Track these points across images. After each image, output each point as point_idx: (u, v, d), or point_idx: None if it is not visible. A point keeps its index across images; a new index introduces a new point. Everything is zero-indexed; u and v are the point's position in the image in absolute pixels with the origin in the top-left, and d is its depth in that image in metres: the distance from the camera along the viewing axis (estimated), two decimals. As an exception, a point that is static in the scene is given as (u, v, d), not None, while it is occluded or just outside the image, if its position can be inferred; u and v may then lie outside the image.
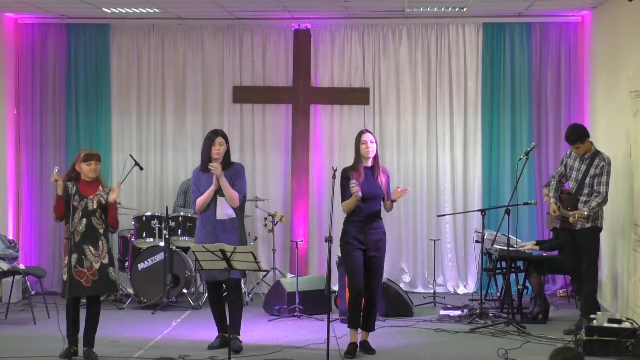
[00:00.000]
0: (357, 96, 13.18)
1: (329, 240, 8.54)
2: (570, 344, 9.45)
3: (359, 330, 9.20)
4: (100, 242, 8.76)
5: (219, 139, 9.24)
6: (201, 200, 9.22)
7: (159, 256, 11.73)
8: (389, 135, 13.17)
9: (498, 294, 11.61)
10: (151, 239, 11.88)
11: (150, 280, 11.72)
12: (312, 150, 13.23)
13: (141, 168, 12.52)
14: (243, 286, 11.92)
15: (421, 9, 12.37)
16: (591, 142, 10.14)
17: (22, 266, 11.59)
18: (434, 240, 12.51)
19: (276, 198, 13.17)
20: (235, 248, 8.36)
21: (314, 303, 11.18)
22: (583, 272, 10.17)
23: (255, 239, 12.81)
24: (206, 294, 11.85)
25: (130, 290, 12.11)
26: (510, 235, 10.77)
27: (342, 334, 9.32)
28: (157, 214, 12.02)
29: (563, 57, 12.94)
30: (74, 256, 8.65)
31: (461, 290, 13.03)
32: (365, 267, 9.12)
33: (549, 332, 10.10)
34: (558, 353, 5.32)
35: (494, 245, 11.10)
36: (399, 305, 11.30)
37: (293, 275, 11.87)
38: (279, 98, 13.26)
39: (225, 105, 13.28)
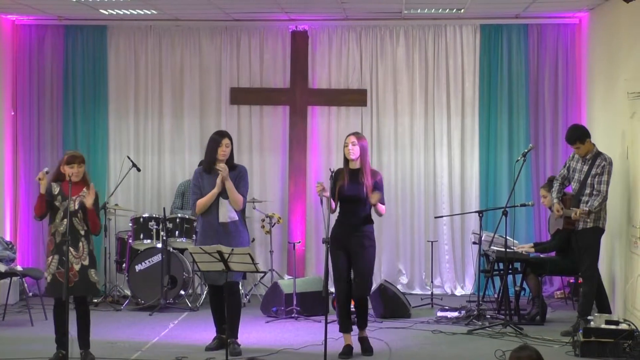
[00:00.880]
0: (355, 98, 13.18)
1: (326, 241, 8.55)
2: (567, 345, 9.47)
3: (356, 329, 9.20)
4: (80, 244, 8.70)
5: (226, 140, 9.17)
6: (202, 202, 9.13)
7: (157, 258, 11.72)
8: (386, 137, 13.17)
9: (495, 296, 11.62)
10: (149, 241, 11.87)
11: (148, 281, 11.72)
12: (309, 152, 13.23)
13: (138, 169, 12.58)
14: (240, 288, 11.91)
15: (418, 11, 12.38)
16: (593, 144, 10.16)
17: (19, 268, 11.59)
18: (432, 242, 12.52)
19: (274, 200, 13.17)
20: (232, 249, 8.35)
21: (311, 304, 11.18)
22: (582, 273, 10.18)
23: (253, 240, 12.80)
24: (204, 296, 11.88)
25: (128, 292, 12.11)
26: (507, 237, 10.77)
27: (340, 336, 9.32)
28: (154, 215, 12.01)
29: (560, 59, 12.95)
30: (56, 257, 8.64)
31: (459, 291, 13.03)
32: (352, 270, 9.11)
33: (546, 334, 10.11)
34: (516, 351, 5.41)
35: (492, 247, 11.11)
36: (396, 306, 11.30)
37: (290, 277, 11.87)
38: (276, 100, 13.26)
39: (223, 106, 13.28)
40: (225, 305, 9.22)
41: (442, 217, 12.93)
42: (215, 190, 9.09)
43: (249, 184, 12.80)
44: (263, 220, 12.37)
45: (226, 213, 9.14)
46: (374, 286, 11.06)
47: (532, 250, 11.32)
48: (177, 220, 11.91)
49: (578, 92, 12.89)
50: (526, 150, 10.87)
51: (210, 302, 9.47)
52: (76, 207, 8.67)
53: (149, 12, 12.45)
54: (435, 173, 13.15)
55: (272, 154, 13.30)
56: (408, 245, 13.19)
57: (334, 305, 11.09)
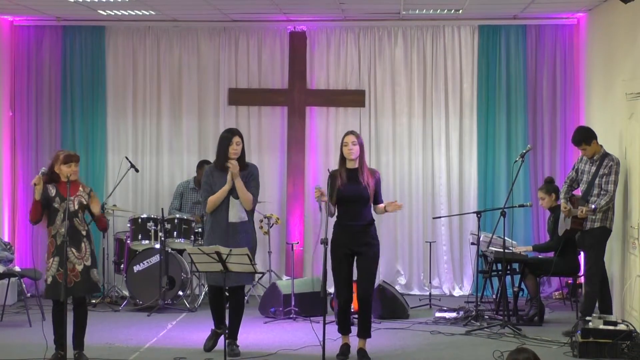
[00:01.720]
0: (353, 98, 13.18)
1: (324, 242, 8.52)
2: (566, 345, 9.47)
3: (357, 338, 9.16)
4: (82, 244, 8.70)
5: (236, 138, 9.12)
6: (213, 199, 9.07)
7: (155, 258, 11.71)
8: (384, 138, 13.17)
9: (494, 296, 11.62)
10: (147, 242, 11.86)
11: (146, 282, 11.71)
12: (307, 153, 13.22)
13: (137, 170, 12.58)
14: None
15: (417, 11, 12.38)
16: (600, 145, 10.17)
17: (17, 268, 11.60)
18: (430, 243, 12.51)
19: (272, 200, 13.16)
20: (231, 250, 8.33)
21: (309, 305, 11.17)
22: (585, 272, 10.19)
23: (251, 241, 12.80)
24: (202, 297, 11.87)
25: (126, 293, 12.10)
26: (506, 238, 10.77)
27: (338, 337, 9.32)
28: (152, 216, 12.00)
29: (558, 60, 12.95)
30: (56, 259, 8.62)
31: (457, 292, 13.03)
32: (357, 272, 9.08)
33: (544, 334, 10.11)
34: (513, 354, 5.44)
35: (490, 248, 11.11)
36: (394, 307, 11.30)
37: (289, 278, 11.87)
38: (274, 100, 13.26)
39: (221, 107, 13.28)
40: (229, 307, 9.18)
41: (440, 217, 12.93)
42: (226, 187, 9.04)
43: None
44: (261, 221, 12.36)
45: (237, 213, 9.11)
46: (373, 287, 11.06)
47: (531, 251, 11.31)
48: (176, 221, 11.90)
49: (576, 92, 12.89)
50: (524, 151, 10.87)
51: (210, 304, 9.44)
52: (76, 207, 8.67)
53: (147, 13, 12.45)
54: (434, 174, 13.15)
55: (271, 154, 13.30)
56: (406, 246, 13.19)
57: (332, 306, 11.12)
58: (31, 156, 13.23)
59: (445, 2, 11.69)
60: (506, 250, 10.72)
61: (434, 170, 13.15)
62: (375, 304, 11.05)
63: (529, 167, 12.85)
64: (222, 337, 9.22)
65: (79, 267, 8.66)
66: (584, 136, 10.15)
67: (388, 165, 13.09)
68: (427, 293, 12.40)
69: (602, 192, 10.00)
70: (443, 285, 13.11)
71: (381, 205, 9.13)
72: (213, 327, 9.44)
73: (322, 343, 8.45)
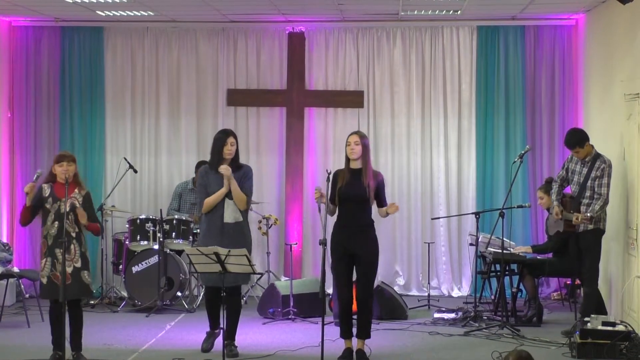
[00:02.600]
0: (352, 99, 13.18)
1: (323, 243, 8.51)
2: (564, 346, 9.47)
3: (355, 338, 9.15)
4: (72, 246, 8.67)
5: (231, 139, 9.17)
6: (210, 201, 9.11)
7: (153, 259, 11.71)
8: (383, 138, 13.17)
9: (492, 297, 11.63)
10: (145, 242, 11.85)
11: (145, 283, 11.70)
12: (306, 153, 13.23)
13: (135, 171, 12.57)
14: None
15: (415, 12, 12.38)
16: (592, 146, 10.16)
17: (16, 269, 11.59)
18: (428, 243, 12.51)
19: (270, 201, 13.17)
20: (229, 251, 8.34)
21: (308, 306, 11.17)
22: (583, 274, 10.20)
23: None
24: (200, 297, 11.86)
25: (125, 294, 12.09)
26: (504, 238, 10.77)
27: (337, 337, 9.32)
28: (151, 217, 12.00)
29: (557, 60, 12.96)
30: (49, 260, 8.62)
31: (455, 293, 13.03)
32: (356, 273, 9.07)
33: (543, 335, 10.11)
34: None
35: (488, 248, 11.11)
36: (393, 308, 11.30)
37: (287, 278, 11.87)
38: (273, 101, 13.26)
39: (220, 108, 13.28)
40: (226, 308, 9.18)
41: (438, 218, 12.93)
42: (223, 190, 9.08)
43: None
44: (260, 222, 12.37)
45: (232, 214, 9.15)
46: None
47: (530, 251, 11.32)
48: (174, 221, 11.90)
49: (575, 93, 12.90)
50: (523, 152, 10.87)
51: (206, 305, 9.46)
52: (67, 209, 8.64)
53: (146, 14, 12.44)
54: (432, 174, 13.16)
55: (269, 155, 13.30)
56: (405, 247, 13.19)
57: (331, 307, 11.12)
58: (30, 157, 13.23)
59: (443, 3, 11.69)
60: (505, 251, 10.72)
61: (433, 171, 13.15)
62: (373, 305, 11.06)
63: (528, 167, 12.86)
64: (219, 338, 9.25)
65: (69, 269, 8.63)
66: (578, 139, 10.13)
67: (387, 165, 13.09)
68: (426, 294, 12.40)
69: (595, 196, 9.99)
70: (442, 286, 13.11)
71: (384, 209, 9.12)
72: (208, 330, 9.45)
73: (321, 344, 8.45)
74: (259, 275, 12.41)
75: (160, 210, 11.97)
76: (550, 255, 11.18)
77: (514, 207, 11.30)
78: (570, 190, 10.42)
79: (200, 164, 12.30)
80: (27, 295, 12.06)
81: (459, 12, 12.20)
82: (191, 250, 8.58)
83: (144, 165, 13.26)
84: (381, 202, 9.12)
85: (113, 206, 12.54)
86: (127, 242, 12.03)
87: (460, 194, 13.11)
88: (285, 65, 13.25)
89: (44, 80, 13.24)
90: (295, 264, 12.60)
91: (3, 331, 10.56)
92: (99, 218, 11.65)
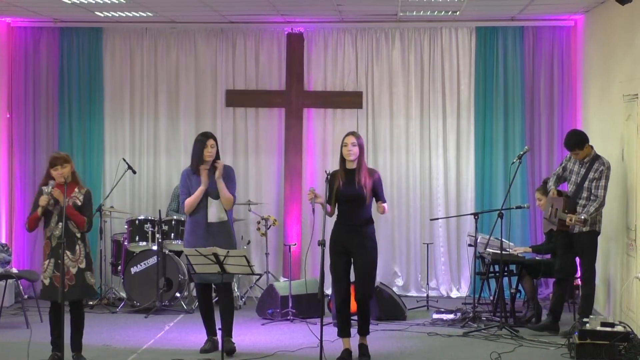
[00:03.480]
0: (350, 100, 13.18)
1: (322, 243, 8.53)
2: (563, 347, 9.47)
3: (357, 335, 9.18)
4: (77, 247, 8.67)
5: (211, 142, 9.29)
6: (191, 200, 9.20)
7: (152, 260, 11.71)
8: (382, 139, 13.16)
9: (491, 298, 11.62)
10: (144, 243, 11.86)
11: (143, 284, 11.70)
12: (305, 154, 13.22)
13: (134, 172, 12.56)
14: (236, 290, 11.93)
15: (414, 13, 12.38)
16: (591, 147, 10.17)
17: (14, 270, 11.58)
18: (427, 244, 12.51)
19: (269, 202, 13.16)
20: (228, 252, 8.35)
21: (307, 307, 11.18)
22: (581, 276, 10.22)
23: (249, 242, 12.80)
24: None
25: (123, 294, 12.08)
26: (503, 239, 10.77)
27: (336, 338, 9.32)
28: (150, 217, 12.01)
29: (556, 61, 12.96)
30: (52, 261, 8.60)
31: (454, 294, 13.03)
32: (354, 272, 9.10)
33: (541, 336, 10.11)
34: None
35: (487, 249, 11.10)
36: (392, 308, 11.30)
37: (286, 279, 11.87)
38: (272, 102, 13.26)
39: (218, 109, 13.28)
40: (220, 305, 9.24)
41: (437, 219, 12.92)
42: (202, 188, 9.18)
43: (245, 185, 12.96)
44: (259, 223, 12.36)
45: (215, 213, 9.24)
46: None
47: (529, 251, 11.32)
48: (173, 222, 11.90)
49: (573, 94, 12.90)
50: (522, 153, 10.87)
51: (198, 303, 9.51)
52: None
53: (145, 15, 12.44)
54: (431, 175, 13.15)
55: (268, 156, 13.30)
56: (404, 247, 13.19)
57: (330, 308, 11.12)
58: (29, 158, 13.21)
59: (442, 4, 11.68)
60: (503, 252, 10.73)
61: (432, 172, 13.15)
62: (372, 306, 11.07)
63: (527, 168, 12.85)
64: (218, 337, 9.27)
65: (74, 270, 8.64)
66: (578, 140, 10.14)
67: (385, 166, 13.09)
68: (425, 294, 12.39)
69: (592, 197, 9.99)
70: (440, 286, 13.11)
71: (380, 205, 9.16)
72: (208, 336, 9.47)
73: (319, 344, 8.46)
74: (257, 276, 12.41)
75: (159, 211, 11.97)
76: (549, 256, 11.18)
77: (513, 208, 11.29)
78: (567, 188, 10.41)
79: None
80: (25, 296, 12.05)
81: (457, 13, 12.20)
82: (190, 251, 8.60)
83: (142, 166, 13.25)
84: (379, 198, 9.17)
85: (112, 207, 12.54)
86: (125, 243, 12.03)
87: (459, 195, 13.10)
88: (284, 66, 13.25)
89: (42, 81, 13.23)
90: (294, 265, 12.59)
91: (2, 332, 10.57)
92: (98, 219, 11.69)
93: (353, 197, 9.00)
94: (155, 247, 11.73)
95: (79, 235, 8.69)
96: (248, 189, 13.12)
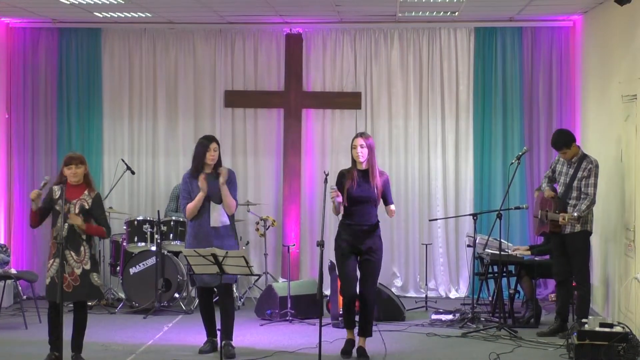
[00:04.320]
0: (349, 100, 13.18)
1: (320, 244, 8.55)
2: (562, 348, 9.48)
3: (357, 336, 9.25)
4: (82, 248, 8.67)
5: (214, 145, 9.23)
6: (191, 206, 9.16)
7: (151, 260, 11.71)
8: (380, 140, 13.15)
9: (490, 299, 11.61)
10: (143, 244, 11.86)
11: (142, 284, 11.70)
12: (304, 155, 13.22)
13: (133, 172, 12.56)
14: (235, 291, 11.91)
15: (413, 14, 12.38)
16: (578, 146, 10.19)
17: (13, 271, 11.58)
18: (426, 245, 12.50)
19: (268, 202, 13.16)
20: (227, 252, 8.35)
21: (305, 307, 11.18)
22: (574, 277, 10.21)
23: (247, 243, 12.79)
24: (198, 299, 11.87)
25: (122, 295, 12.08)
26: (502, 240, 10.78)
27: (334, 339, 9.34)
28: (148, 218, 12.01)
29: (554, 62, 12.96)
30: (56, 261, 8.60)
31: (453, 294, 13.03)
32: (360, 271, 9.16)
33: (540, 337, 10.11)
34: None
35: (486, 250, 11.11)
36: (390, 309, 11.30)
37: (285, 280, 11.87)
38: (270, 102, 13.26)
39: (217, 109, 13.27)
40: (220, 307, 9.23)
41: (436, 219, 12.92)
42: (200, 195, 9.12)
43: (244, 186, 12.96)
44: (257, 223, 12.36)
45: (218, 217, 9.19)
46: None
47: (528, 252, 11.32)
48: (172, 223, 11.90)
49: (572, 94, 12.90)
50: (520, 153, 10.87)
51: (199, 306, 9.51)
52: (77, 211, 8.64)
53: (143, 15, 12.44)
54: (430, 176, 13.15)
55: (267, 156, 13.30)
56: (402, 248, 13.19)
57: (329, 308, 11.13)
58: (27, 158, 13.20)
59: (441, 4, 11.68)
60: (502, 252, 10.73)
61: (430, 172, 13.15)
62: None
63: (525, 169, 12.85)
64: (218, 339, 9.26)
65: (78, 271, 8.64)
66: (566, 140, 10.17)
67: (384, 167, 13.03)
68: (423, 295, 12.39)
69: (582, 196, 10.01)
70: (439, 287, 13.11)
71: (390, 208, 9.33)
72: (207, 337, 9.46)
73: (318, 345, 8.46)
74: (256, 277, 12.41)
75: (158, 211, 11.96)
76: (548, 256, 11.18)
77: (512, 209, 11.30)
78: (557, 189, 10.42)
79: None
80: (24, 297, 12.04)
81: (456, 13, 12.21)
82: (188, 251, 8.60)
83: (141, 167, 13.25)
84: (387, 201, 9.31)
85: (110, 207, 12.53)
86: (124, 244, 12.03)
87: (458, 195, 13.10)
88: (283, 67, 13.25)
89: (41, 81, 13.22)
90: (293, 266, 12.60)
91: (0, 332, 10.56)
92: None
93: (365, 198, 9.13)
94: (154, 248, 11.73)
95: (84, 236, 8.68)
96: (247, 190, 13.11)
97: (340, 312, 10.17)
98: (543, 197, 10.44)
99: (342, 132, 13.03)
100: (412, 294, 13.07)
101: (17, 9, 12.02)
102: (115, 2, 11.43)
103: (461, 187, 13.11)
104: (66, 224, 8.55)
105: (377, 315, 11.08)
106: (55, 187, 8.70)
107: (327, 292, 11.37)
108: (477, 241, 11.30)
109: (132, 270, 11.76)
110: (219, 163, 9.30)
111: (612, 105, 10.84)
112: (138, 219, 12.00)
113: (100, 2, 11.43)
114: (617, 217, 10.46)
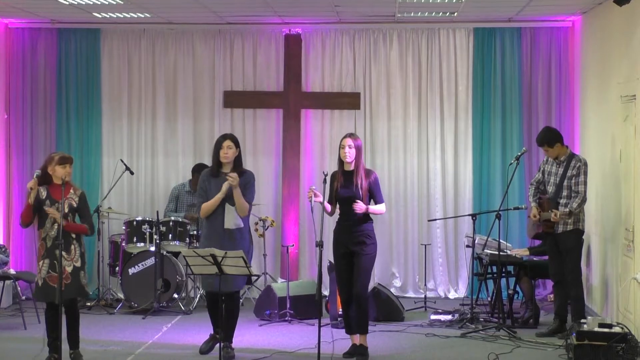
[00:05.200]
0: (348, 101, 13.18)
1: (319, 245, 8.56)
2: (561, 348, 9.48)
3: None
4: (72, 246, 8.69)
5: (227, 142, 9.15)
6: (207, 206, 9.11)
7: (150, 261, 11.70)
8: (379, 140, 13.17)
9: (489, 299, 11.62)
10: (142, 244, 11.85)
11: (141, 285, 11.69)
12: (303, 155, 13.22)
13: (132, 173, 12.56)
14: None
15: (412, 14, 12.38)
16: (567, 146, 10.22)
17: (12, 271, 11.57)
18: (425, 245, 12.51)
19: (267, 203, 13.15)
20: (226, 253, 8.35)
21: (305, 308, 11.18)
22: (567, 277, 10.21)
23: (247, 243, 12.80)
24: (197, 299, 11.87)
25: (121, 295, 12.07)
26: (501, 240, 10.78)
27: (333, 339, 9.33)
28: (147, 218, 12.00)
29: (553, 62, 12.96)
30: (47, 261, 8.61)
31: (452, 295, 13.03)
32: (352, 268, 9.19)
33: (539, 337, 10.11)
34: None
35: (485, 250, 11.12)
36: (389, 310, 11.30)
37: (284, 280, 11.87)
38: (269, 103, 13.26)
39: (216, 110, 13.27)
40: (224, 310, 9.19)
41: (435, 220, 12.93)
42: (219, 195, 9.07)
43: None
44: (256, 224, 12.35)
45: (232, 220, 9.13)
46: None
47: (527, 253, 11.33)
48: (171, 223, 11.89)
49: (571, 95, 12.90)
50: (519, 154, 10.88)
51: (208, 308, 9.46)
52: (65, 210, 8.65)
53: (143, 16, 12.43)
54: (429, 176, 13.15)
55: (266, 157, 13.30)
56: (401, 249, 13.19)
57: (328, 309, 11.12)
58: (26, 159, 13.20)
59: (440, 5, 11.68)
60: (501, 253, 10.73)
61: (429, 173, 13.15)
62: (370, 306, 11.06)
63: (524, 169, 12.85)
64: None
65: (69, 269, 8.67)
66: (547, 137, 10.22)
67: (383, 167, 13.09)
68: (422, 295, 12.39)
69: (573, 194, 10.04)
70: (438, 287, 13.11)
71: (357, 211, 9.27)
72: (212, 332, 9.45)
73: (317, 345, 8.46)
74: (255, 277, 12.41)
75: (157, 212, 11.96)
76: (547, 257, 11.18)
77: (511, 209, 11.32)
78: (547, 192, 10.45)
79: (197, 167, 12.30)
80: (23, 297, 12.02)
81: (455, 14, 12.21)
82: (188, 252, 8.60)
83: (140, 167, 13.24)
84: (376, 200, 9.33)
85: (109, 208, 12.53)
86: (123, 244, 12.02)
87: (457, 196, 13.11)
88: (282, 67, 13.25)
89: (40, 82, 13.22)
90: (292, 266, 12.61)
91: (-1, 333, 10.58)
92: (95, 220, 11.68)
93: (350, 198, 9.15)
94: (153, 248, 11.72)
95: (74, 235, 8.71)
96: (246, 190, 13.11)
97: (340, 313, 10.19)
98: (532, 222, 10.51)
99: (341, 133, 12.88)
100: (411, 294, 13.06)
101: (16, 10, 12.02)
102: (114, 3, 11.43)
103: (460, 188, 13.11)
104: (56, 225, 8.56)
105: (376, 315, 11.10)
106: (41, 188, 8.70)
107: (326, 292, 11.37)
108: (476, 241, 11.30)
109: (131, 271, 11.76)
110: (238, 162, 9.24)
111: (610, 106, 10.84)
112: (137, 219, 11.99)
113: (99, 3, 11.43)
114: (616, 218, 10.46)
